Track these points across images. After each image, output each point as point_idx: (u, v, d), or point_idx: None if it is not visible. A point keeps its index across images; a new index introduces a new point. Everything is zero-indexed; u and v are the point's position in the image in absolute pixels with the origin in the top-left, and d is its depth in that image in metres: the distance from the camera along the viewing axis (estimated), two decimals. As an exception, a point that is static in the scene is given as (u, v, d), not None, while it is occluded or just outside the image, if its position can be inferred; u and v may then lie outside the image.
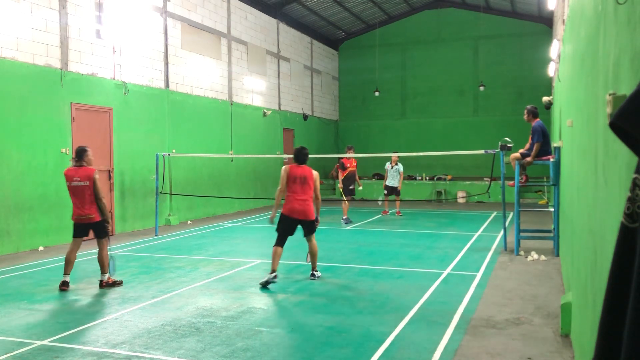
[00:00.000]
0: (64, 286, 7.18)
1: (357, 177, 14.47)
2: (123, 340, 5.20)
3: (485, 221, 14.38)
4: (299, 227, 7.65)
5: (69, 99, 11.31)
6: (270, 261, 7.52)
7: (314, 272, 7.82)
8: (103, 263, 7.38)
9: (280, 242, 7.53)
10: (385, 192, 15.91)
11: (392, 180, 15.67)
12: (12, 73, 10.08)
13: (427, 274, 8.09)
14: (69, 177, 7.20)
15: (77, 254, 7.45)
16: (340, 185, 14.42)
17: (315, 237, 7.80)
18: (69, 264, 7.26)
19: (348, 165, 14.27)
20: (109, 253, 7.49)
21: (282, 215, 7.53)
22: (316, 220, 7.66)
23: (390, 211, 16.39)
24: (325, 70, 25.13)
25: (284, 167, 7.63)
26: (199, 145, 15.52)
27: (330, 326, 5.58)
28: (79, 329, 5.57)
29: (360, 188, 15.27)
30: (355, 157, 14.40)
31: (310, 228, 7.61)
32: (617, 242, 1.23)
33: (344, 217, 14.16)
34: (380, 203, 17.53)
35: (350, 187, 14.30)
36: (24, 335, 5.36)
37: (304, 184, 7.46)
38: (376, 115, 25.47)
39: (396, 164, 15.56)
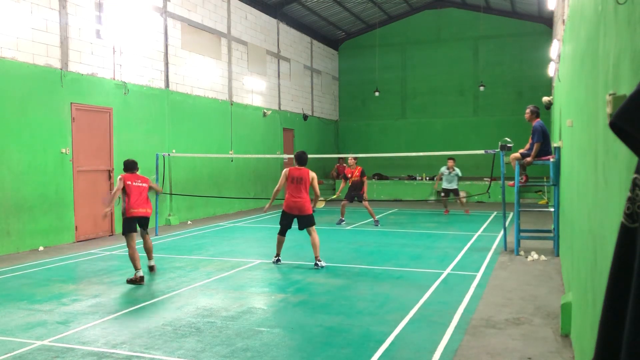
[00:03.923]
0: (142, 281, 7.68)
1: (364, 187, 14.04)
2: (123, 340, 5.20)
3: (485, 221, 14.38)
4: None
5: (69, 99, 11.31)
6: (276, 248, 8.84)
7: (317, 262, 8.50)
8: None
9: (282, 232, 8.79)
10: (443, 194, 16.42)
11: (450, 184, 16.10)
12: (12, 73, 10.08)
13: (427, 274, 8.09)
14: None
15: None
16: (337, 192, 14.64)
17: (315, 230, 8.65)
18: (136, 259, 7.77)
19: (349, 175, 14.15)
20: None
21: (282, 211, 8.76)
22: (312, 210, 8.76)
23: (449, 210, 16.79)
24: (325, 70, 25.13)
25: (285, 169, 8.70)
26: (199, 145, 15.52)
27: (330, 326, 5.58)
28: (79, 329, 5.57)
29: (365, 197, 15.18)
30: (359, 167, 14.13)
31: (305, 222, 8.61)
32: (617, 242, 1.23)
33: (342, 219, 14.13)
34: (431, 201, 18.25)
35: (353, 193, 14.03)
36: (24, 335, 5.36)
37: (300, 183, 8.49)
38: (376, 115, 25.47)
39: (454, 170, 16.13)
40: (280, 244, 8.81)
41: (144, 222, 8.23)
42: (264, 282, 7.75)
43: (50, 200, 10.82)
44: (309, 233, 8.61)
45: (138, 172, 8.32)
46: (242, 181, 17.95)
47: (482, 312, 6.00)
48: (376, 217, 14.11)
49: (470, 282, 7.48)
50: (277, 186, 8.74)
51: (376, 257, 9.46)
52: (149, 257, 8.31)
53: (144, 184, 8.21)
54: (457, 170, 16.26)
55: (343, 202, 14.27)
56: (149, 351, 4.91)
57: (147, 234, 8.31)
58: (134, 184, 8.07)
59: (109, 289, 7.33)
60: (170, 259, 9.48)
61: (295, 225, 8.75)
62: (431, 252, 9.88)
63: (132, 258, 7.70)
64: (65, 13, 11.26)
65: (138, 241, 8.15)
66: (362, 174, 13.99)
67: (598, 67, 3.14)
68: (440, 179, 16.33)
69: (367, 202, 14.11)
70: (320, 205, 13.95)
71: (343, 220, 14.13)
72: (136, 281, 7.57)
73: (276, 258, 8.84)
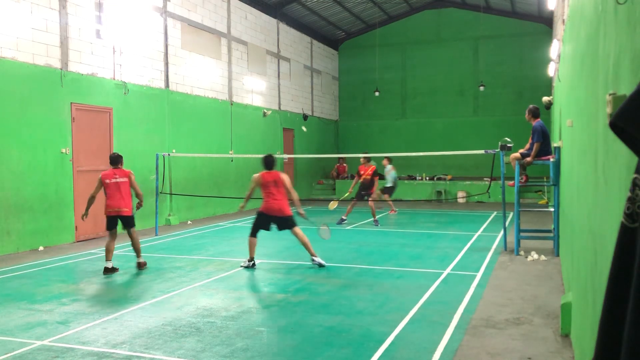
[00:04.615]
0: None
1: (375, 185, 14.17)
2: (123, 340, 5.20)
3: (485, 221, 14.38)
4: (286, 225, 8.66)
5: (69, 99, 11.31)
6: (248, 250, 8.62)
7: (314, 258, 8.57)
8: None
9: (253, 233, 8.61)
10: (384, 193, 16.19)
11: (388, 182, 15.87)
12: (12, 73, 10.08)
13: (427, 274, 8.09)
14: None
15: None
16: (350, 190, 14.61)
17: (300, 228, 8.62)
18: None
19: (362, 172, 14.12)
20: None
21: (260, 213, 8.61)
22: (299, 214, 8.73)
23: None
24: (325, 70, 25.12)
25: (255, 175, 8.73)
26: (199, 145, 15.52)
27: (330, 326, 5.57)
28: (79, 329, 5.57)
29: (374, 195, 15.04)
30: (372, 165, 14.15)
31: (286, 223, 8.57)
32: (617, 242, 1.23)
33: (343, 218, 14.08)
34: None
35: (363, 192, 14.08)
36: (24, 335, 5.36)
37: (276, 186, 8.53)
38: (376, 115, 25.47)
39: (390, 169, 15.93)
40: (253, 246, 8.59)
41: (123, 220, 8.40)
42: (264, 282, 7.75)
43: (50, 200, 10.82)
44: (295, 234, 8.55)
45: (122, 167, 8.49)
46: (242, 181, 17.93)
47: (482, 312, 6.00)
48: (376, 217, 14.10)
49: (470, 282, 7.48)
50: (248, 192, 8.83)
51: (376, 257, 9.46)
52: (137, 255, 8.55)
53: (123, 179, 8.30)
54: (390, 170, 16.19)
55: (353, 202, 14.24)
56: (149, 351, 4.91)
57: (132, 232, 8.40)
58: (111, 181, 8.26)
59: (109, 289, 7.33)
60: (170, 259, 9.48)
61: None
62: (431, 252, 9.88)
63: (105, 249, 8.28)
64: (65, 13, 11.26)
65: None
66: (375, 173, 14.04)
67: (598, 67, 3.13)
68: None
69: (372, 202, 14.11)
70: (333, 206, 14.22)
71: (344, 220, 14.09)
72: (105, 270, 8.12)
73: (251, 262, 8.57)
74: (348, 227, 13.48)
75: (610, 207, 2.49)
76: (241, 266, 8.59)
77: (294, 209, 8.81)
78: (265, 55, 19.70)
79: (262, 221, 8.59)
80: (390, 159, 16.12)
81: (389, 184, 15.91)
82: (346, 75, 26.22)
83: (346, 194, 14.86)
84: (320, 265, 8.55)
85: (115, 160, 8.50)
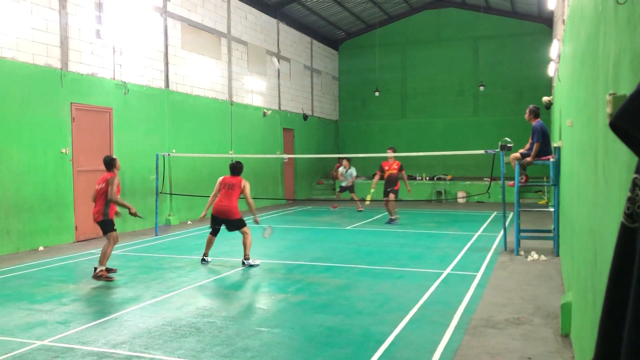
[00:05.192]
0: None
1: (404, 180, 14.10)
2: (123, 340, 5.20)
3: (485, 221, 14.38)
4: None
5: (69, 99, 11.30)
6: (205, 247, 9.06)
7: (245, 261, 8.72)
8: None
9: (213, 233, 9.08)
10: (339, 191, 16.79)
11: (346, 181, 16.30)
12: (12, 73, 10.08)
13: (427, 274, 8.09)
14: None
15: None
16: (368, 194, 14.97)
17: (249, 231, 8.85)
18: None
19: (387, 168, 14.00)
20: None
21: (211, 215, 9.02)
22: (255, 222, 8.98)
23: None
24: (325, 70, 25.12)
25: (221, 177, 9.11)
26: (199, 145, 15.52)
27: (330, 326, 5.57)
28: (79, 329, 5.57)
29: (409, 192, 15.09)
30: (396, 159, 14.08)
31: (233, 226, 8.87)
32: (617, 242, 1.23)
33: (392, 217, 14.00)
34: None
35: (389, 189, 13.91)
36: (24, 335, 5.36)
37: (231, 189, 8.81)
38: (376, 115, 25.47)
39: (349, 168, 16.81)
40: (209, 244, 9.03)
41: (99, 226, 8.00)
42: (264, 282, 7.75)
43: (50, 200, 10.82)
44: (242, 234, 8.80)
45: (115, 170, 8.04)
46: (242, 181, 17.94)
47: (482, 312, 6.00)
48: (394, 215, 14.04)
49: (470, 282, 7.48)
50: (212, 193, 9.09)
51: (376, 257, 9.46)
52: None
53: (101, 185, 7.83)
54: (353, 170, 17.09)
55: (385, 201, 14.14)
56: (149, 351, 4.91)
57: (106, 239, 7.91)
58: (97, 186, 7.91)
59: (108, 289, 7.33)
60: (170, 259, 9.48)
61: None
62: (431, 252, 9.88)
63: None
64: (65, 13, 11.26)
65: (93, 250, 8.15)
66: (401, 168, 13.98)
67: (598, 67, 3.13)
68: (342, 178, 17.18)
69: (393, 201, 13.99)
70: (366, 204, 14.65)
71: (394, 219, 13.98)
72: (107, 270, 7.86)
73: (202, 257, 9.01)
74: (348, 227, 13.49)
75: (610, 207, 2.49)
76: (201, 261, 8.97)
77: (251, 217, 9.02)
78: (265, 55, 19.69)
79: (213, 222, 9.03)
80: (349, 160, 17.05)
81: (344, 184, 16.92)
82: (346, 75, 26.22)
83: (372, 190, 14.83)
84: (250, 266, 8.65)
85: (106, 164, 8.10)
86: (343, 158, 23.99)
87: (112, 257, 9.70)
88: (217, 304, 6.52)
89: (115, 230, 7.97)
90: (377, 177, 14.39)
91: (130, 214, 8.09)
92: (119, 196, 7.91)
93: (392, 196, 13.96)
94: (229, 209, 8.77)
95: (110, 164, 8.09)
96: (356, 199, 17.20)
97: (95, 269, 7.76)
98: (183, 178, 14.92)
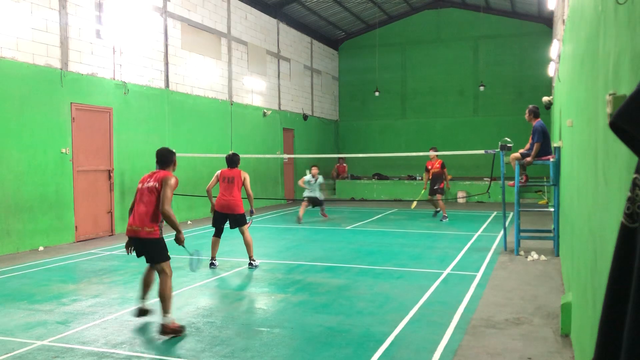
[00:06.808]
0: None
1: (446, 177, 14.73)
2: (123, 340, 5.20)
3: (485, 221, 14.38)
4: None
5: (69, 99, 11.30)
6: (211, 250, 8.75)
7: (252, 262, 8.57)
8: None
9: (217, 234, 8.76)
10: (306, 202, 14.72)
11: (312, 192, 14.63)
12: (12, 73, 10.08)
13: (427, 274, 8.09)
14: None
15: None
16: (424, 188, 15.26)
17: (249, 231, 8.73)
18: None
19: (430, 167, 14.70)
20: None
21: (215, 211, 8.70)
22: (251, 212, 8.72)
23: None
24: (325, 70, 25.12)
25: (218, 170, 8.92)
26: (199, 145, 15.52)
27: (330, 326, 5.57)
28: (79, 329, 5.57)
29: (448, 188, 15.65)
30: (438, 158, 14.81)
31: (236, 221, 8.63)
32: (617, 242, 1.23)
33: (444, 215, 14.57)
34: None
35: (435, 187, 14.59)
36: (24, 335, 5.36)
37: (231, 183, 8.63)
38: (376, 115, 25.47)
39: (317, 177, 14.74)
40: (215, 247, 8.71)
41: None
42: (264, 282, 7.75)
43: (50, 200, 10.82)
44: (241, 233, 8.63)
45: (167, 167, 5.85)
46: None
47: (482, 312, 6.00)
48: (445, 212, 14.71)
49: (470, 282, 7.48)
50: (208, 186, 8.95)
51: (376, 257, 9.46)
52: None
53: (151, 183, 5.68)
54: (321, 178, 14.71)
55: (431, 198, 14.80)
56: (149, 351, 4.92)
57: (156, 271, 5.94)
58: (142, 184, 5.77)
59: (109, 289, 7.33)
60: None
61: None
62: (431, 252, 9.88)
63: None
64: (65, 13, 11.26)
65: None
66: (443, 166, 14.58)
67: (598, 67, 3.13)
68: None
69: (440, 197, 14.63)
70: (414, 205, 15.28)
71: (446, 217, 14.56)
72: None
73: (210, 261, 8.65)
74: (348, 227, 13.49)
75: (610, 207, 2.49)
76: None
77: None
78: (265, 55, 19.69)
79: (216, 219, 8.68)
80: (318, 167, 14.78)
81: (309, 194, 14.66)
82: (346, 75, 26.22)
83: (422, 191, 15.44)
84: (255, 267, 8.59)
85: (161, 158, 5.89)
86: (343, 158, 24.10)
87: (112, 257, 9.70)
88: (217, 304, 6.52)
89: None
90: (426, 177, 15.00)
91: (176, 239, 5.80)
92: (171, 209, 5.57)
93: (438, 196, 14.55)
94: (234, 203, 8.57)
95: (167, 158, 5.82)
96: (326, 216, 15.08)
97: (165, 326, 5.33)
98: (183, 178, 14.90)
